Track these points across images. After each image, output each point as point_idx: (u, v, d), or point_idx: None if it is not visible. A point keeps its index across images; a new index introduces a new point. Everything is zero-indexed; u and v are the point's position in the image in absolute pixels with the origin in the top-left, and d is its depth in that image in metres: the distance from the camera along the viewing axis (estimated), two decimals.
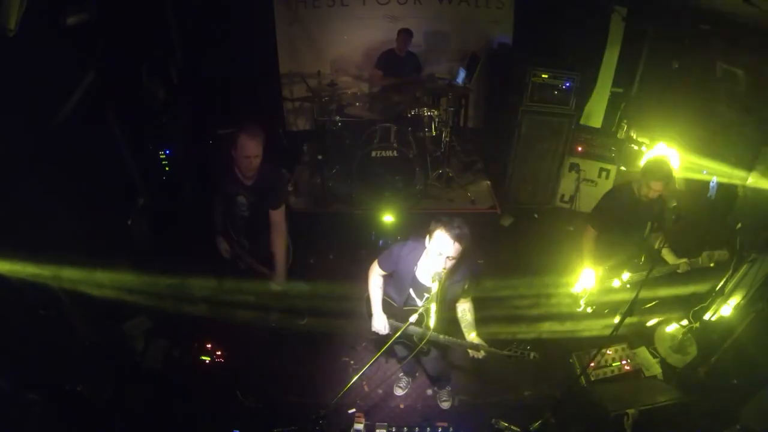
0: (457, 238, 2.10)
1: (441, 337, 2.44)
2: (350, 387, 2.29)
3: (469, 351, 2.49)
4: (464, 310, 2.55)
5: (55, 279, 2.59)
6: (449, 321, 2.56)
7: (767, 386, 2.60)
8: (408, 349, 2.72)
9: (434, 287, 2.17)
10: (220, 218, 3.11)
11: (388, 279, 2.60)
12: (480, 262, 4.39)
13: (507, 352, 2.41)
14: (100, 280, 2.86)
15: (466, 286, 2.42)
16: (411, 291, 2.46)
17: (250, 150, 2.68)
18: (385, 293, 2.62)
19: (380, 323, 2.54)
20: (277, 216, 2.96)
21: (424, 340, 2.30)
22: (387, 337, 2.51)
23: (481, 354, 2.45)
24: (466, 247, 2.16)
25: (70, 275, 2.66)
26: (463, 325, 2.55)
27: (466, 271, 2.39)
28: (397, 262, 2.45)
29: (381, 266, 2.54)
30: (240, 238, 3.15)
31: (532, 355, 2.40)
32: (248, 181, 2.87)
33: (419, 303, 2.44)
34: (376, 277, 2.58)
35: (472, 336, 2.50)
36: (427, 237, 2.21)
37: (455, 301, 2.52)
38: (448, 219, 2.15)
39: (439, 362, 2.92)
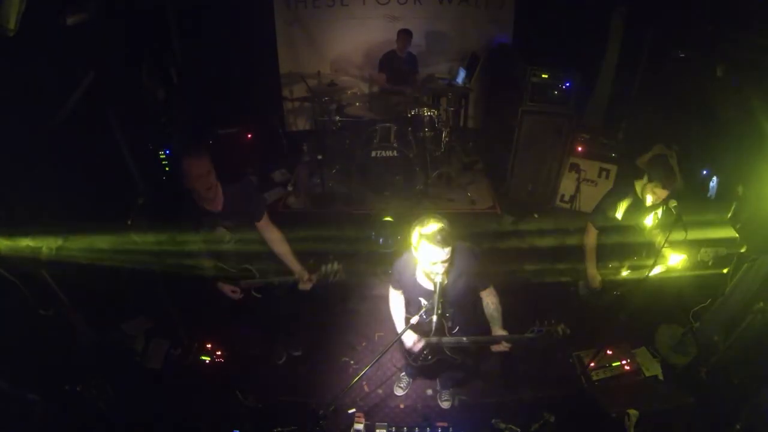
0: (444, 243, 2.02)
1: (463, 339, 2.39)
2: (350, 387, 2.29)
3: (492, 347, 2.38)
4: (487, 304, 2.46)
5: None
6: (471, 319, 2.52)
7: (767, 386, 2.60)
8: (443, 360, 2.64)
9: (436, 288, 2.12)
10: (207, 260, 2.77)
11: (407, 300, 2.57)
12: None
13: (530, 334, 2.23)
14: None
15: (473, 276, 2.36)
16: (422, 300, 2.40)
17: (202, 167, 2.43)
18: (408, 314, 2.56)
19: (410, 339, 2.45)
20: (264, 225, 2.74)
21: (426, 343, 2.29)
22: (423, 361, 2.51)
23: (504, 346, 2.33)
24: (454, 244, 2.10)
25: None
26: (487, 315, 2.46)
27: (463, 261, 2.31)
28: (400, 277, 2.43)
29: (392, 286, 2.55)
30: (244, 269, 2.82)
31: (560, 329, 2.17)
32: (217, 206, 2.62)
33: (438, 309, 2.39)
34: (393, 297, 2.57)
35: (495, 329, 2.39)
36: (413, 248, 2.15)
37: (470, 294, 2.44)
38: (426, 226, 2.05)
39: (468, 371, 2.91)
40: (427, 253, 2.06)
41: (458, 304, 2.39)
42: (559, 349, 3.40)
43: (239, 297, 2.82)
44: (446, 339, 2.41)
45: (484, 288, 2.47)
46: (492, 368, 3.32)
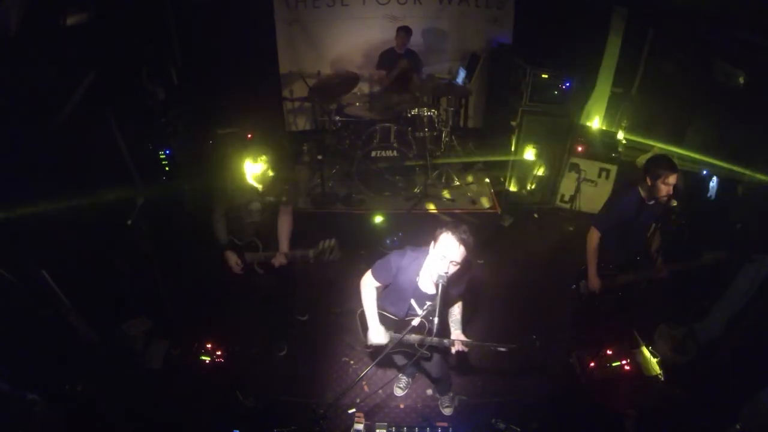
0: (463, 242, 2.11)
1: (428, 339, 2.41)
2: (350, 387, 2.29)
3: (452, 348, 2.43)
4: (454, 311, 2.55)
5: None
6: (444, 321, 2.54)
7: (767, 386, 2.60)
8: (408, 356, 2.67)
9: (438, 289, 2.13)
10: (223, 233, 3.01)
11: (383, 292, 2.55)
12: (480, 262, 4.42)
13: (491, 345, 2.40)
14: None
15: (460, 285, 2.43)
16: (412, 301, 2.42)
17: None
18: (380, 307, 2.55)
19: (379, 335, 2.48)
20: (286, 208, 3.04)
21: (395, 339, 2.27)
22: (385, 347, 2.46)
23: (462, 346, 2.42)
24: (468, 256, 2.17)
25: None
26: (450, 321, 2.54)
27: (465, 282, 2.43)
28: (397, 273, 2.40)
29: (377, 278, 2.46)
30: (251, 242, 3.04)
31: (537, 343, 2.35)
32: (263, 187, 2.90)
33: (420, 312, 2.42)
34: (370, 289, 2.50)
35: (457, 333, 2.48)
36: (432, 242, 2.20)
37: (452, 300, 2.52)
38: (455, 224, 2.17)
39: (442, 365, 2.91)
40: (444, 246, 2.12)
41: (443, 308, 2.40)
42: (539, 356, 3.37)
43: (240, 271, 3.01)
44: (429, 339, 2.42)
45: (460, 297, 2.52)
46: (492, 367, 3.33)
